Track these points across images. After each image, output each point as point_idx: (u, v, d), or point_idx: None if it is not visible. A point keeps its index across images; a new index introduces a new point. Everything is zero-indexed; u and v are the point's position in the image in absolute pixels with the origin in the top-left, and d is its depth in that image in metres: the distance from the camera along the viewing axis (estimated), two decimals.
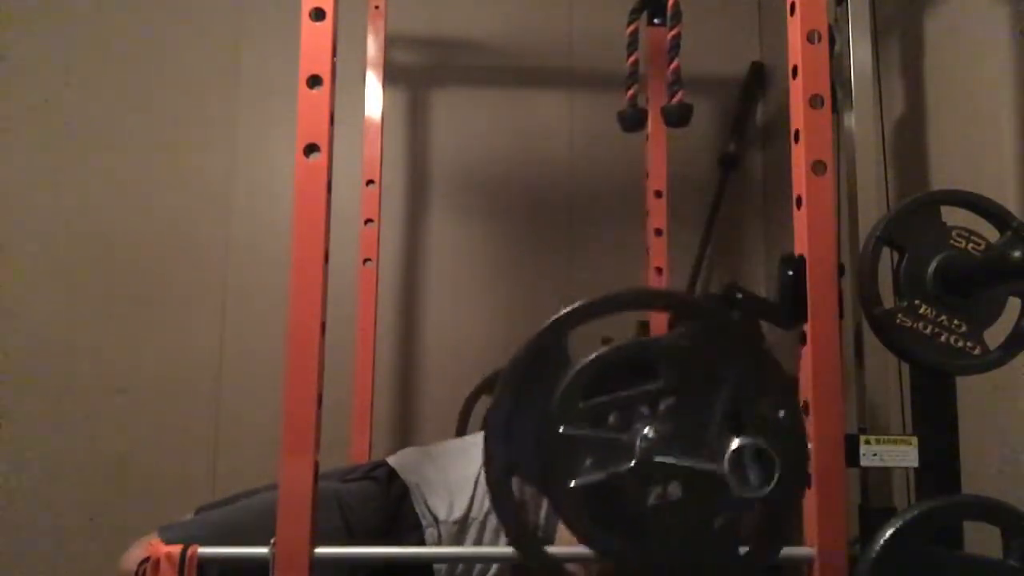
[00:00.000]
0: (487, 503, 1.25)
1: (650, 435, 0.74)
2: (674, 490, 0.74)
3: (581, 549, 0.77)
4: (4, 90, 1.95)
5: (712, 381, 0.76)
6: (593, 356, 0.76)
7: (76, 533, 1.81)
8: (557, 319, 0.76)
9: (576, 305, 0.77)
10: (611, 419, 0.75)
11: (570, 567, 1.15)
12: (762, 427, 0.75)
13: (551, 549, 0.82)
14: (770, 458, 0.66)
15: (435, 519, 1.24)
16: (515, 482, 1.24)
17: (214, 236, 1.95)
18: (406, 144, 2.04)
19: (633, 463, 0.73)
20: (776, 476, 0.67)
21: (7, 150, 1.94)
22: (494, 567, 1.24)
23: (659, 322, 1.60)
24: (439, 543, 1.23)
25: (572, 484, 0.73)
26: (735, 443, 0.66)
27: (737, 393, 0.76)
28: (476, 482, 1.27)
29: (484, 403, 1.82)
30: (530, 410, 0.75)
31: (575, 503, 0.74)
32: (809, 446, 0.76)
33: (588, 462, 0.74)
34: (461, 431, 1.80)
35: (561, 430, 0.74)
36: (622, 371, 0.76)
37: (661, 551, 0.75)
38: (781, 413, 0.74)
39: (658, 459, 0.73)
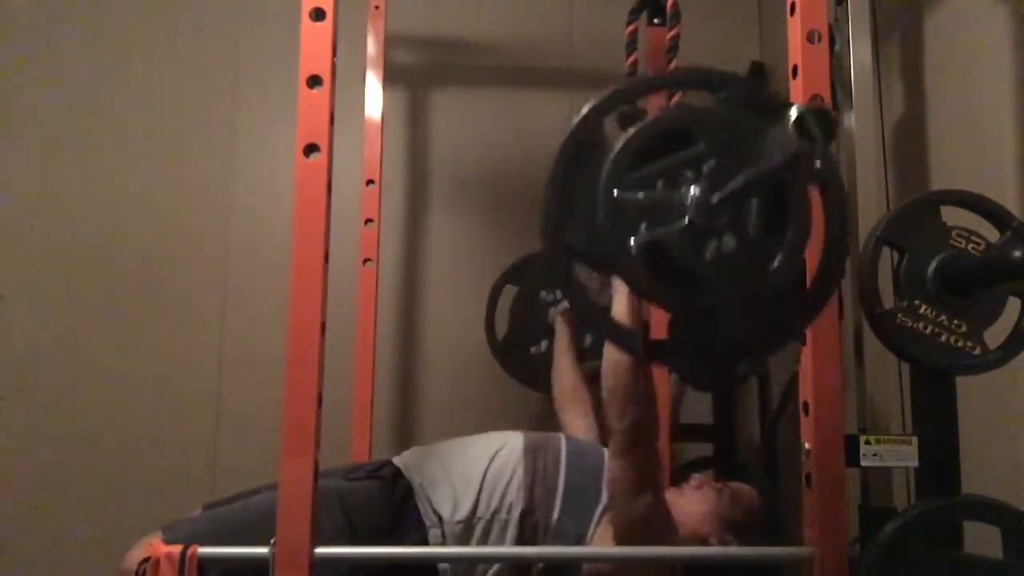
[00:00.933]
0: (492, 503, 1.25)
1: (699, 192, 0.75)
2: (728, 242, 0.76)
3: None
4: (3, 90, 1.95)
5: (749, 138, 0.77)
6: (637, 128, 0.78)
7: (76, 532, 1.80)
8: (592, 107, 0.80)
9: (607, 92, 0.80)
10: (659, 185, 0.76)
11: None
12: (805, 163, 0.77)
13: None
14: (827, 112, 0.68)
15: (439, 519, 1.23)
16: (530, 464, 1.25)
17: (214, 236, 1.95)
18: (406, 144, 2.04)
19: (687, 220, 0.75)
20: (836, 131, 0.69)
21: (7, 150, 1.94)
22: (495, 566, 1.24)
23: (660, 319, 1.60)
24: (443, 543, 1.22)
25: (632, 246, 0.75)
26: (793, 111, 0.68)
27: (772, 148, 0.77)
28: (481, 482, 1.27)
29: (509, 292, 1.83)
30: (582, 181, 0.78)
31: (636, 266, 0.75)
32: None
33: (644, 225, 0.75)
34: (490, 326, 1.80)
35: (615, 195, 0.75)
36: (664, 143, 0.78)
37: (723, 301, 0.77)
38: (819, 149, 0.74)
39: (711, 217, 0.75)
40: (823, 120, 0.67)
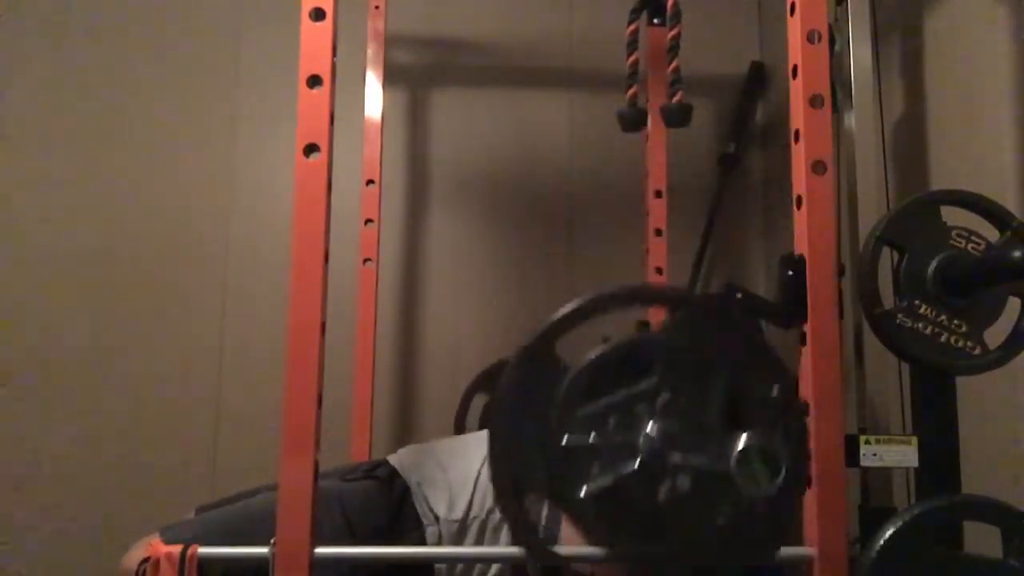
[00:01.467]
0: (488, 502, 1.25)
1: (652, 433, 0.74)
2: (683, 483, 0.75)
3: (586, 549, 0.78)
4: (3, 90, 1.95)
5: (705, 371, 0.77)
6: (583, 363, 0.76)
7: (76, 533, 1.80)
8: (543, 331, 0.76)
9: (559, 315, 0.77)
10: (611, 422, 0.75)
11: (576, 566, 1.16)
12: (761, 408, 0.75)
13: (558, 549, 0.83)
14: (775, 456, 0.66)
15: (436, 517, 1.24)
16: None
17: (214, 236, 1.95)
18: (406, 144, 2.04)
19: (637, 463, 0.74)
20: (782, 474, 0.66)
21: (7, 150, 1.94)
22: (495, 566, 1.24)
23: (660, 319, 1.60)
24: (440, 542, 1.22)
25: (582, 493, 0.73)
26: (741, 443, 0.66)
27: (732, 379, 0.76)
28: (476, 480, 1.27)
29: (479, 401, 1.81)
30: (530, 423, 0.76)
31: (588, 511, 0.74)
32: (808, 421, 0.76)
33: (595, 468, 0.74)
34: (459, 430, 1.80)
35: (564, 442, 0.74)
36: (618, 369, 0.76)
37: (677, 547, 0.76)
38: (775, 391, 0.74)
39: (664, 459, 0.74)
40: (769, 462, 0.65)
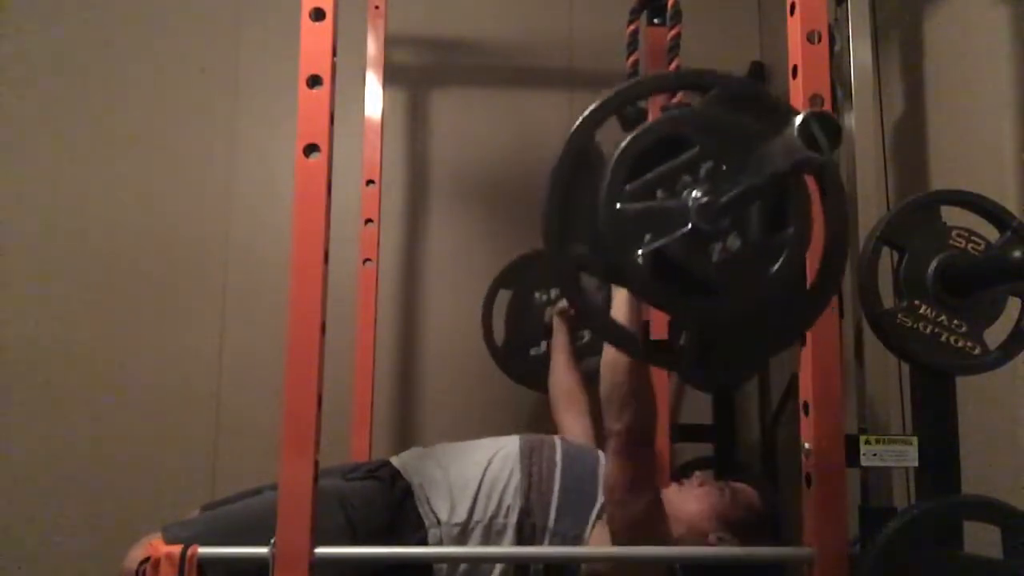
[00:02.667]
0: (490, 507, 1.25)
1: (699, 196, 0.76)
2: (733, 242, 0.76)
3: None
4: (3, 90, 1.95)
5: (743, 137, 0.78)
6: (628, 139, 0.78)
7: (76, 533, 1.80)
8: (585, 117, 0.80)
9: (597, 102, 0.80)
10: (659, 193, 0.77)
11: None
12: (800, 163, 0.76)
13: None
14: (833, 122, 0.67)
15: (437, 520, 1.24)
16: (527, 467, 1.25)
17: (214, 236, 1.95)
18: (406, 144, 2.04)
19: (690, 225, 0.75)
20: (841, 137, 0.68)
21: (7, 150, 1.94)
22: (496, 569, 1.23)
23: (660, 321, 1.60)
24: (441, 544, 1.22)
25: (639, 256, 0.75)
26: (799, 118, 0.67)
27: (775, 152, 0.76)
28: (479, 485, 1.26)
29: (504, 297, 1.84)
30: (582, 207, 0.78)
31: (644, 275, 0.75)
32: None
33: (648, 235, 0.75)
34: (487, 328, 1.81)
35: (617, 207, 0.76)
36: (659, 150, 0.78)
37: (733, 302, 0.78)
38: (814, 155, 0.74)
39: (714, 220, 0.75)
40: (829, 127, 0.66)
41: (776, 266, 0.77)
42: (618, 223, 0.76)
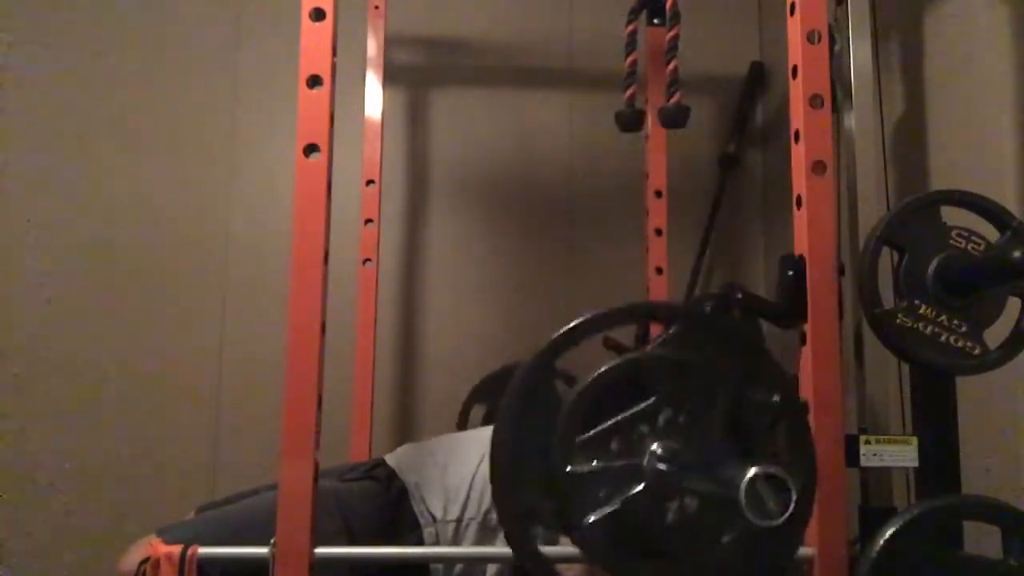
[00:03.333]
0: (484, 503, 1.25)
1: (657, 451, 0.73)
2: (691, 503, 0.74)
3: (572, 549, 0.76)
4: (3, 91, 1.95)
5: (704, 383, 0.76)
6: (578, 390, 0.75)
7: (76, 533, 1.80)
8: (537, 357, 0.75)
9: (547, 343, 0.76)
10: (614, 445, 0.74)
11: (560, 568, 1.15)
12: (762, 414, 0.74)
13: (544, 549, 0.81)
14: (785, 484, 0.65)
15: (433, 518, 1.24)
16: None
17: (214, 236, 1.95)
18: (406, 144, 2.04)
19: (643, 485, 0.73)
20: (793, 503, 0.65)
21: (7, 150, 1.94)
22: (492, 568, 1.24)
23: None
24: (437, 543, 1.22)
25: (590, 521, 0.73)
26: (750, 472, 0.64)
27: (732, 390, 0.75)
28: (472, 481, 1.26)
29: (478, 412, 1.82)
30: (533, 452, 0.75)
31: (596, 537, 0.73)
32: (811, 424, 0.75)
33: (602, 493, 0.73)
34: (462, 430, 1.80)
35: (568, 470, 0.73)
36: (616, 392, 0.75)
37: (690, 568, 0.75)
38: (776, 398, 0.73)
39: (670, 479, 0.72)
40: (779, 491, 0.63)
41: (734, 532, 0.74)
42: (566, 485, 0.73)
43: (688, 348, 0.77)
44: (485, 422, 1.81)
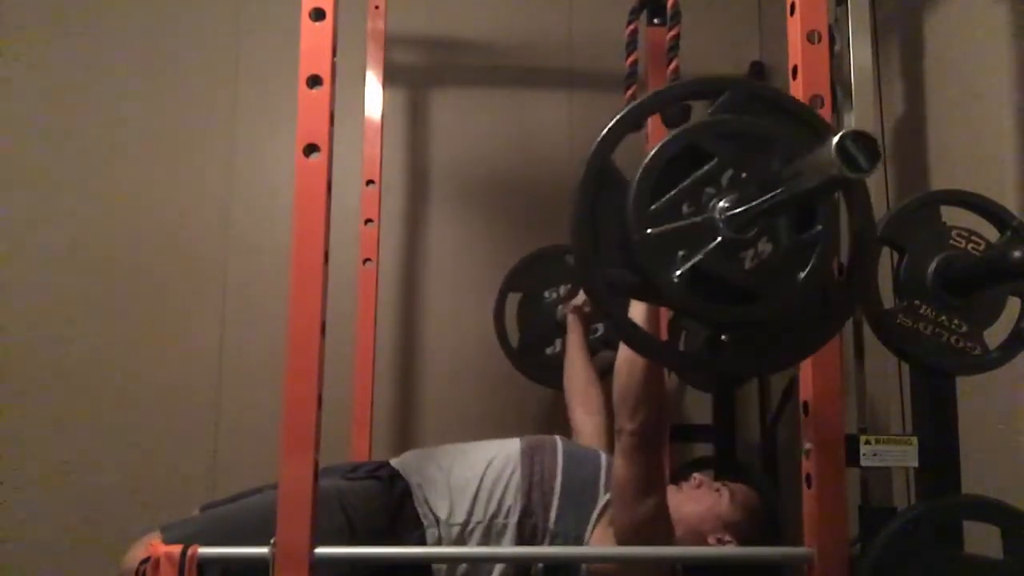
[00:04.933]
0: (490, 507, 1.24)
1: (725, 206, 0.76)
2: (764, 247, 0.77)
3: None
4: (2, 92, 1.95)
5: (759, 141, 0.78)
6: (643, 167, 0.78)
7: (76, 533, 1.80)
8: (603, 138, 0.81)
9: (610, 124, 0.81)
10: (685, 209, 0.77)
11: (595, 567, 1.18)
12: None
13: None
14: (870, 139, 0.66)
15: (436, 519, 1.24)
16: (528, 467, 1.25)
17: (214, 236, 1.95)
18: (406, 144, 2.04)
19: (719, 238, 0.76)
20: (881, 156, 0.67)
21: (7, 151, 1.94)
22: (497, 569, 1.23)
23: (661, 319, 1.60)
24: (439, 543, 1.22)
25: (676, 276, 0.75)
26: (835, 137, 0.66)
27: (784, 144, 0.78)
28: (479, 485, 1.26)
29: (512, 300, 1.84)
30: (609, 230, 0.79)
31: (682, 293, 0.76)
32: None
33: (681, 252, 0.76)
34: (501, 333, 1.81)
35: (648, 232, 0.76)
36: (681, 163, 0.78)
37: (772, 305, 0.78)
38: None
39: (743, 227, 0.75)
40: (868, 147, 0.65)
41: (808, 267, 0.78)
42: (649, 248, 0.76)
43: (737, 113, 0.80)
44: (522, 308, 1.84)
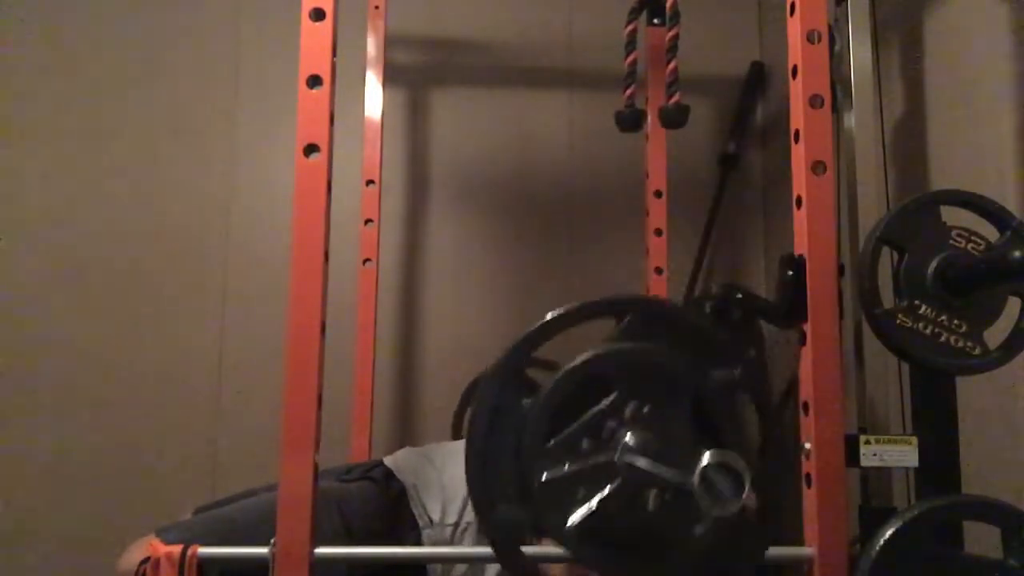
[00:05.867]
0: None
1: (629, 443, 0.73)
2: (670, 492, 0.74)
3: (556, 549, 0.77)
4: (2, 91, 1.95)
5: (663, 370, 0.76)
6: (539, 400, 0.75)
7: (76, 533, 1.80)
8: (496, 371, 0.76)
9: (506, 353, 0.76)
10: (584, 444, 0.74)
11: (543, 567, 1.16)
12: (724, 390, 0.75)
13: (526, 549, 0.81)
14: (737, 471, 0.65)
15: (431, 520, 1.24)
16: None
17: (214, 236, 1.95)
18: (406, 144, 2.04)
19: (618, 481, 0.73)
20: (746, 490, 0.65)
21: (6, 151, 1.94)
22: (492, 569, 1.23)
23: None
24: (435, 545, 1.22)
25: (572, 524, 0.73)
26: (703, 460, 0.64)
27: (693, 373, 0.75)
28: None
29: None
30: (506, 464, 0.75)
31: (580, 539, 0.73)
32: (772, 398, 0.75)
33: (580, 494, 0.73)
34: (456, 436, 1.80)
35: (544, 478, 0.73)
36: (579, 393, 0.75)
37: (678, 553, 0.75)
38: (737, 372, 0.74)
39: (631, 463, 0.73)
40: (732, 477, 0.63)
41: (707, 523, 0.74)
42: (546, 492, 0.73)
43: (640, 339, 0.77)
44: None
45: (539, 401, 0.75)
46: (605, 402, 0.75)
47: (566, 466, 0.73)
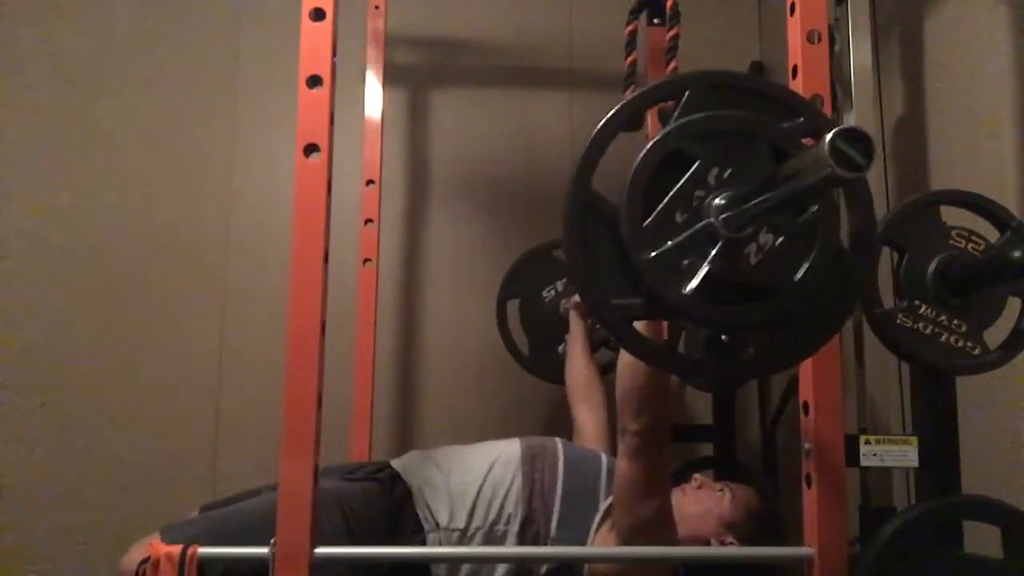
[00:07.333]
0: (491, 514, 1.24)
1: (720, 203, 0.76)
2: (765, 239, 0.76)
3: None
4: (4, 94, 1.95)
5: (733, 132, 0.78)
6: (627, 182, 0.78)
7: (76, 534, 1.80)
8: (579, 167, 0.81)
9: (585, 146, 0.82)
10: (678, 217, 0.77)
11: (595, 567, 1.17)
12: (794, 139, 0.78)
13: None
14: (862, 135, 0.65)
15: (436, 524, 1.23)
16: (529, 473, 1.25)
17: (214, 236, 1.95)
18: (406, 144, 2.04)
19: (720, 242, 0.75)
20: (875, 151, 0.66)
21: (6, 149, 1.93)
22: (500, 569, 1.23)
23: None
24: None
25: (687, 291, 0.75)
26: (827, 136, 0.65)
27: (760, 126, 0.78)
28: (479, 491, 1.26)
29: (512, 308, 1.83)
30: (608, 258, 0.79)
31: (699, 303, 0.76)
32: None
33: (686, 263, 0.76)
34: (509, 342, 1.80)
35: (651, 255, 0.76)
36: (662, 174, 0.78)
37: (793, 294, 0.77)
38: (800, 119, 0.75)
39: (740, 224, 0.75)
40: (862, 144, 0.65)
41: (815, 248, 0.77)
42: (653, 270, 0.76)
43: (706, 107, 0.80)
44: (523, 313, 1.83)
45: (627, 186, 0.78)
46: (688, 173, 0.77)
47: (668, 243, 0.76)
